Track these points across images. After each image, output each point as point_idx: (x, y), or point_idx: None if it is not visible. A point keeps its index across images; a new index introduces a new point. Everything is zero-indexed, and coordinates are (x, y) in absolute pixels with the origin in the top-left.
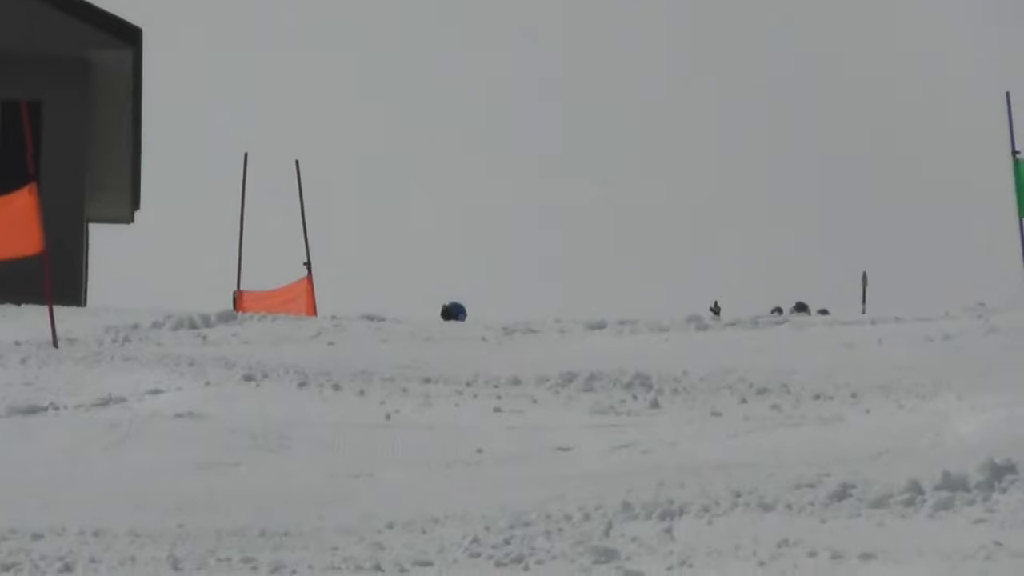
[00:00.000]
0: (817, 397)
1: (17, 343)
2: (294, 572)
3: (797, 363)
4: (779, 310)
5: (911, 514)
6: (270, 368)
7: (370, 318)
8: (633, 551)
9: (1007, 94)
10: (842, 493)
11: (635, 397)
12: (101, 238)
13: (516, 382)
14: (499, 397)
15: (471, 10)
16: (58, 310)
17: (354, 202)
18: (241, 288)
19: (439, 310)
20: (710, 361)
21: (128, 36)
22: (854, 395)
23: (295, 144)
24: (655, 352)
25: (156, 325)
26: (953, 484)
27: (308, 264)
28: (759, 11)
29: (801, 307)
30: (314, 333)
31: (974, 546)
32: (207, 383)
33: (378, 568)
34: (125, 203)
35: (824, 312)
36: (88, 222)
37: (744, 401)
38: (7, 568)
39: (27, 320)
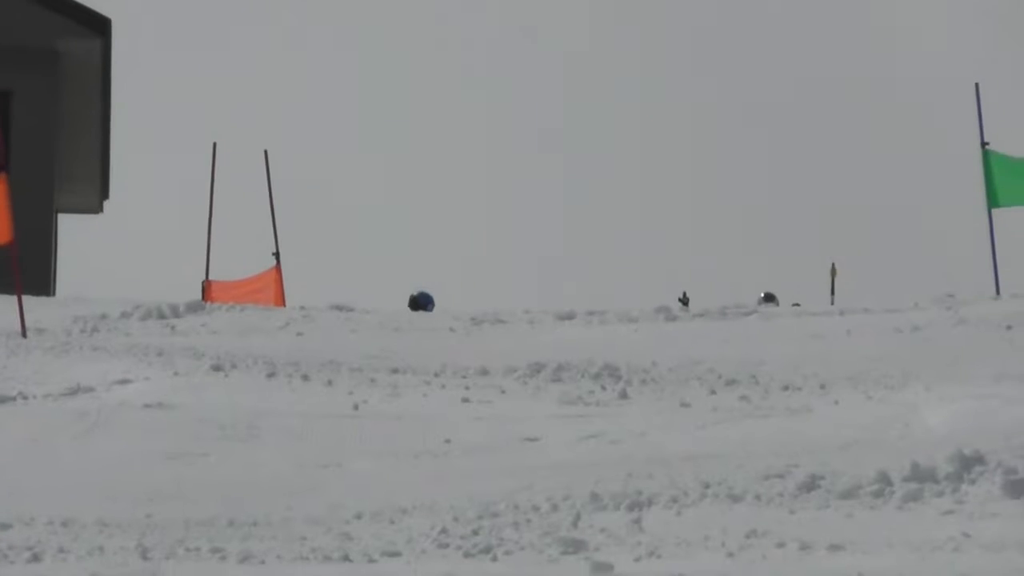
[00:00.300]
0: (786, 388)
1: None
2: (262, 562)
3: (766, 354)
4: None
5: (880, 505)
6: (238, 358)
7: (338, 308)
8: (601, 542)
9: (976, 86)
10: (811, 484)
11: (604, 388)
12: (70, 228)
13: (484, 372)
14: (467, 387)
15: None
16: (27, 300)
17: (323, 192)
18: (210, 278)
19: (407, 300)
20: (679, 352)
21: (97, 26)
22: (823, 386)
23: (264, 134)
24: (624, 343)
25: (125, 315)
26: (922, 475)
27: (277, 254)
28: (746, 11)
29: (769, 297)
30: (282, 323)
31: (943, 537)
32: (175, 373)
33: (346, 558)
34: (94, 193)
35: (797, 305)
36: (57, 212)
37: (713, 392)
38: None
39: None
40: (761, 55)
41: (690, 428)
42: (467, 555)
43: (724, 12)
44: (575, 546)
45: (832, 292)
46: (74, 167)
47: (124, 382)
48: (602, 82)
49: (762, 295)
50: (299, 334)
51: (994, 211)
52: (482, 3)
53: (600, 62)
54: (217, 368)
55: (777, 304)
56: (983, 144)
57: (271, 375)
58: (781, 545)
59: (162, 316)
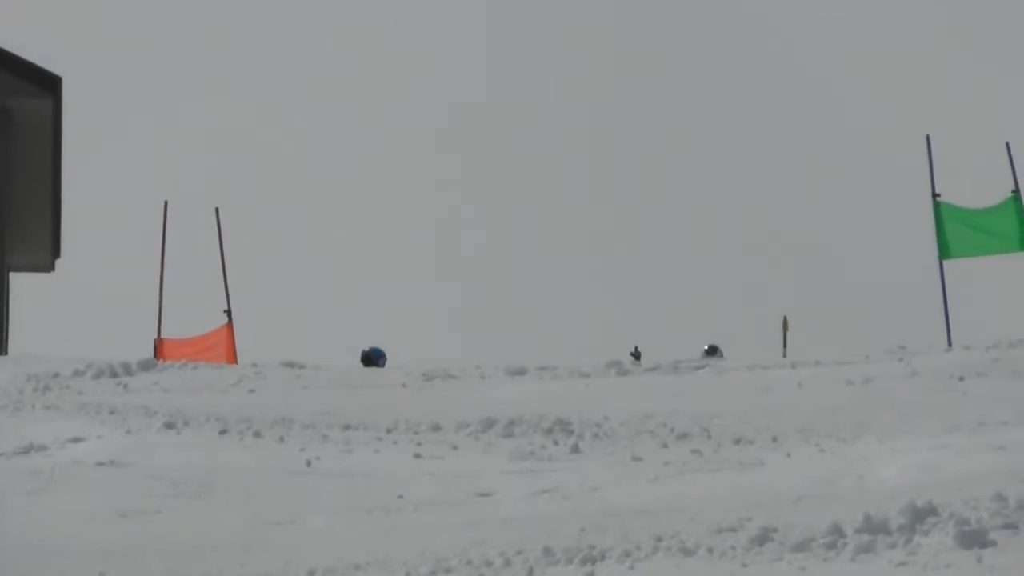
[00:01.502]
0: (738, 441)
1: None
2: None
3: (718, 407)
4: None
5: (833, 557)
6: (191, 416)
7: (290, 365)
8: None
9: (927, 137)
10: (764, 537)
11: (556, 443)
12: (21, 286)
13: (436, 428)
14: (419, 443)
15: (393, 50)
16: None
17: (274, 249)
18: (162, 336)
19: (359, 356)
20: (631, 406)
21: (48, 84)
22: (775, 439)
23: (215, 192)
24: (576, 397)
25: (77, 373)
26: (874, 527)
27: (228, 311)
28: (698, 60)
29: (712, 350)
30: (234, 380)
31: None
32: (128, 431)
33: None
34: (45, 251)
35: (713, 350)
36: (8, 271)
37: (665, 446)
38: None
39: None
40: (710, 105)
41: (642, 482)
42: None
43: (682, 63)
44: None
45: (784, 345)
46: (25, 225)
47: (77, 440)
48: (545, 129)
49: (705, 347)
50: (251, 391)
51: (945, 262)
52: (436, 54)
53: (543, 111)
54: (169, 426)
55: (722, 356)
56: (934, 196)
57: (223, 432)
58: None
59: (114, 374)
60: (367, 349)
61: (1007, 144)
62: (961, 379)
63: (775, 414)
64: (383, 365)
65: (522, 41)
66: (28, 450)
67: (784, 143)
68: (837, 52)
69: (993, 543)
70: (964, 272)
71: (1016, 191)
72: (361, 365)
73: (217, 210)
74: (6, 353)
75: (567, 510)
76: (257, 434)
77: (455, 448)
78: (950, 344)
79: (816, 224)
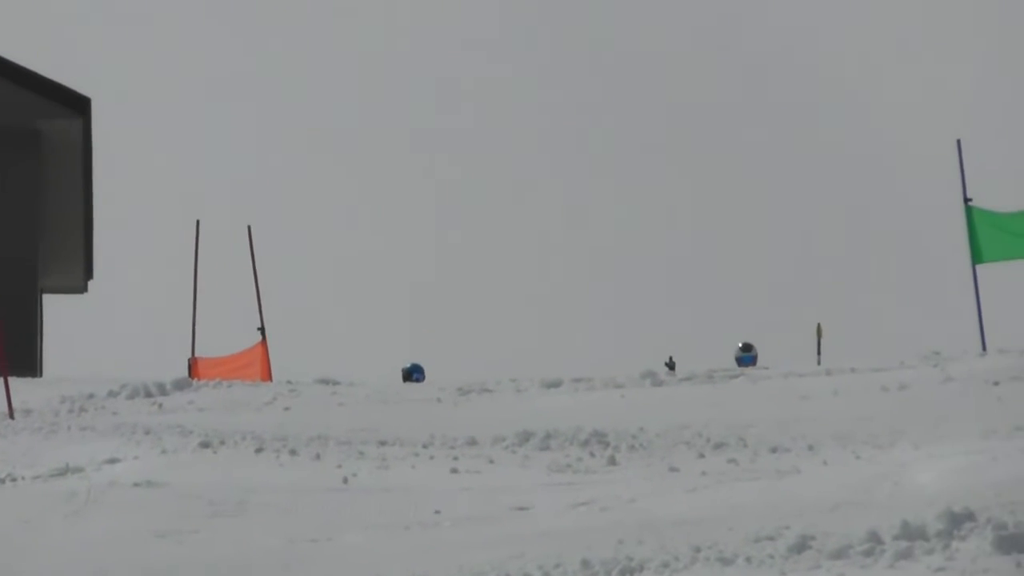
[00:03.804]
0: (774, 450)
1: None
2: None
3: (753, 416)
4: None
5: (871, 564)
6: (226, 434)
7: (325, 382)
8: None
9: (958, 142)
10: (801, 545)
11: (592, 454)
12: (55, 308)
13: (473, 442)
14: (456, 458)
15: (424, 64)
16: (14, 381)
17: (307, 266)
18: (196, 355)
19: (397, 373)
20: (666, 417)
21: (77, 105)
22: (811, 447)
23: (246, 210)
24: (611, 409)
25: (112, 394)
26: (912, 533)
27: (262, 329)
28: (710, 60)
29: (747, 347)
30: (269, 398)
31: None
32: (164, 451)
33: None
34: (78, 273)
35: (748, 347)
36: (42, 292)
37: (701, 456)
38: None
39: None
40: (738, 110)
41: (679, 493)
42: None
43: (703, 75)
44: None
45: (818, 352)
46: (58, 247)
47: (113, 461)
48: (575, 135)
49: (740, 345)
50: (286, 409)
51: (978, 267)
52: (466, 62)
53: (573, 116)
54: (205, 445)
55: (755, 355)
56: (966, 200)
57: (259, 450)
58: None
59: (149, 394)
60: (407, 366)
61: None
62: (996, 384)
63: (811, 422)
64: (422, 381)
65: (576, 40)
66: (64, 472)
67: (816, 148)
68: (867, 56)
69: None
70: (997, 276)
71: None
72: (402, 381)
73: (249, 228)
74: (41, 375)
75: (605, 522)
76: (293, 452)
77: (492, 462)
78: (984, 349)
79: (848, 230)
